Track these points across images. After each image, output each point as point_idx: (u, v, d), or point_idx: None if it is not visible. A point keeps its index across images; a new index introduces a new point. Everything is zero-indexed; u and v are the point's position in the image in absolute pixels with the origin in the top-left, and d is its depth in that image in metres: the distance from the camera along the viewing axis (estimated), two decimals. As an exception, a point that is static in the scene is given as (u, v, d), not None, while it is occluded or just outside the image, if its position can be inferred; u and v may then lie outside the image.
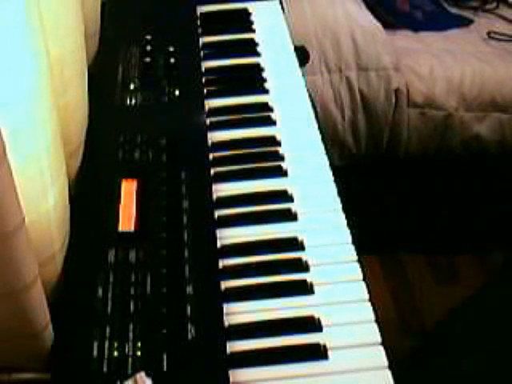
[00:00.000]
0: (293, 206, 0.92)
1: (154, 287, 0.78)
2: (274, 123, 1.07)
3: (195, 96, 1.11)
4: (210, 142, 1.02)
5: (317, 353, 0.75)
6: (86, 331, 0.74)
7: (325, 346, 0.75)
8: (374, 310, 0.79)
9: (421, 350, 1.23)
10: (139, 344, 0.72)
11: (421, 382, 1.13)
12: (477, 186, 1.82)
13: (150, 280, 0.79)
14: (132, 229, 0.85)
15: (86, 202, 0.90)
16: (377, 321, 0.78)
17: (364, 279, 0.83)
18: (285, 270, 0.84)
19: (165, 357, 0.71)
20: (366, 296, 0.81)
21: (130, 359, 0.71)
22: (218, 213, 0.91)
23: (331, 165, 1.00)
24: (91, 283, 0.78)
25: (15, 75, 0.67)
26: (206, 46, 1.24)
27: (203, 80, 1.15)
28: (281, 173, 0.98)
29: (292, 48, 1.24)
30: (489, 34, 1.90)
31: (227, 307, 0.79)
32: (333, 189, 0.96)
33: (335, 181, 0.97)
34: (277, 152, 1.01)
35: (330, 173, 0.99)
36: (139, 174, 0.92)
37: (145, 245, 0.83)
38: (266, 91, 1.14)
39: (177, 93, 1.09)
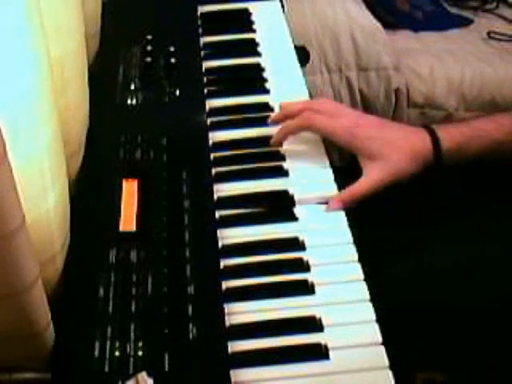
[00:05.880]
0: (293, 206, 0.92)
1: (156, 287, 0.78)
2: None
3: (196, 96, 1.11)
4: (210, 141, 1.02)
5: (318, 353, 0.75)
6: (87, 331, 0.73)
7: (326, 346, 0.75)
8: (375, 309, 0.79)
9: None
10: (140, 344, 0.72)
11: None
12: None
13: (152, 280, 0.79)
14: (133, 229, 0.85)
15: (86, 202, 0.89)
16: (377, 321, 0.78)
17: (365, 279, 0.83)
18: (286, 270, 0.84)
19: (166, 357, 0.71)
20: (367, 296, 0.81)
21: (131, 359, 0.71)
22: (218, 213, 0.91)
23: (332, 165, 1.00)
24: (92, 283, 0.78)
25: (15, 75, 0.67)
26: (207, 45, 1.24)
27: (204, 80, 1.15)
28: (282, 173, 0.98)
29: (292, 48, 1.24)
30: (489, 34, 1.90)
31: (228, 307, 0.79)
32: (334, 189, 0.96)
33: (336, 181, 0.97)
34: (278, 152, 1.01)
35: (331, 173, 0.99)
36: (140, 173, 0.92)
37: (146, 245, 0.83)
38: (266, 91, 1.13)
39: (177, 93, 1.09)
